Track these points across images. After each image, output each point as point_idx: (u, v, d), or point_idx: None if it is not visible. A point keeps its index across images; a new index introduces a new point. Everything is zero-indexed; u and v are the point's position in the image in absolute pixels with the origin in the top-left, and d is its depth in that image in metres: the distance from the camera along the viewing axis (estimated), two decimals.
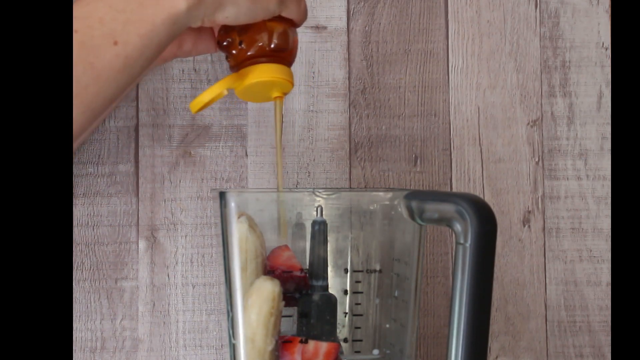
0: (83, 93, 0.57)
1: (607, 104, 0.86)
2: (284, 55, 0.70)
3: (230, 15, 0.64)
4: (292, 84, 0.70)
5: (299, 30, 0.72)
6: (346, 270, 0.70)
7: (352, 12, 0.84)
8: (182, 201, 0.81)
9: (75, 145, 0.57)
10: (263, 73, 0.68)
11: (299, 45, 0.73)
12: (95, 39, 0.57)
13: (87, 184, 0.80)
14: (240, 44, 0.68)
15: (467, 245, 0.60)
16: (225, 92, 0.68)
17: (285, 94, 0.71)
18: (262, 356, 0.66)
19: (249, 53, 0.68)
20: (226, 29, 0.70)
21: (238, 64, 0.69)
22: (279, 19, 0.69)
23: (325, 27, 0.84)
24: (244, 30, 0.68)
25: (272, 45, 0.68)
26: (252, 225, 0.67)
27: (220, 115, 0.82)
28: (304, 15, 0.70)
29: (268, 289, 0.66)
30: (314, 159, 0.83)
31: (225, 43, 0.69)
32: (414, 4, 0.85)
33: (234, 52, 0.69)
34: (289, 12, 0.67)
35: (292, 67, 0.71)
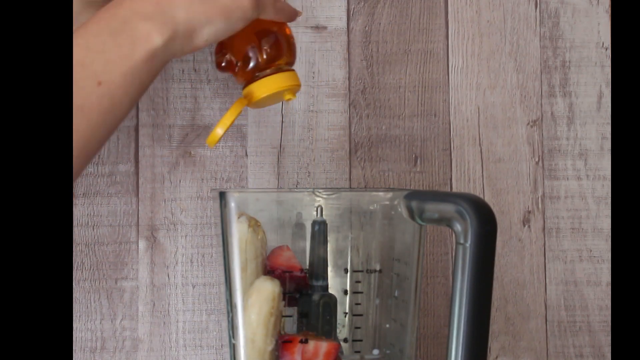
0: (76, 137, 0.57)
1: (607, 104, 0.86)
2: (283, 61, 0.70)
3: (209, 36, 0.63)
4: (299, 85, 0.71)
5: (300, 30, 0.72)
6: (346, 270, 0.70)
7: (352, 12, 0.84)
8: (182, 201, 0.81)
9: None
10: (267, 87, 0.69)
11: (299, 44, 0.73)
12: (79, 81, 0.57)
13: (87, 184, 0.80)
14: (237, 63, 0.69)
15: (467, 245, 0.60)
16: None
17: (295, 93, 0.71)
18: (262, 356, 0.66)
19: (248, 69, 0.69)
20: (219, 49, 0.70)
21: (244, 82, 0.70)
22: (266, 25, 0.69)
23: (325, 27, 0.84)
24: (236, 49, 0.69)
25: (266, 57, 0.69)
26: (253, 224, 0.67)
27: (220, 115, 0.82)
28: (286, 13, 0.69)
29: (268, 289, 0.66)
30: (314, 159, 0.83)
31: (224, 64, 0.70)
32: (414, 4, 0.85)
33: (235, 70, 0.69)
34: (268, 14, 0.66)
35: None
